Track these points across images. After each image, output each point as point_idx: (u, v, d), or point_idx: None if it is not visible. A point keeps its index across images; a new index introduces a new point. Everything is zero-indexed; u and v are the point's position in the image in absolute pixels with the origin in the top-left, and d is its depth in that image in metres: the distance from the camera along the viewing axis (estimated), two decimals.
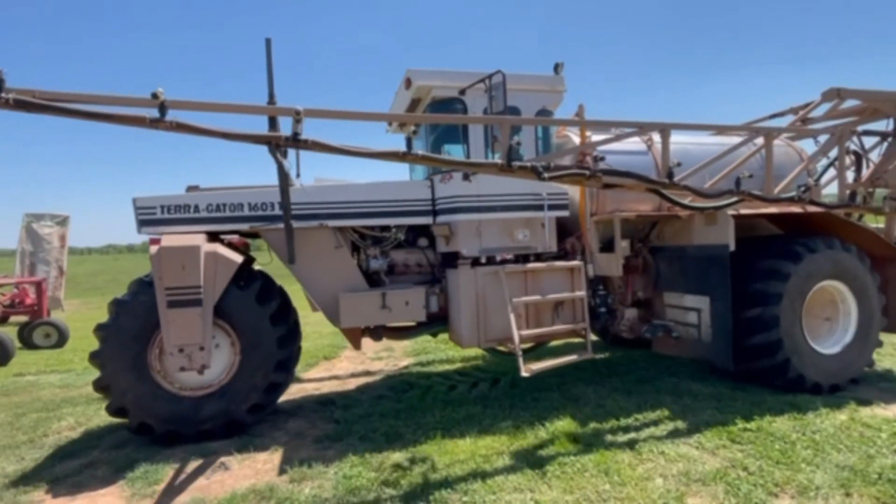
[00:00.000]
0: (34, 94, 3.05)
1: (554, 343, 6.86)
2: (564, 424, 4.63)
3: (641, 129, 5.02)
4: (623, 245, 5.48)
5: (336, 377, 7.05)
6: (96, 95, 3.25)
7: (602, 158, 5.04)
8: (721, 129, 5.95)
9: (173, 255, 4.26)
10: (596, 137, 5.46)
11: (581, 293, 5.37)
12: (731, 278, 5.08)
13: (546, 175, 4.08)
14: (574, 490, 3.49)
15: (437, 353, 8.19)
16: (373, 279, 5.45)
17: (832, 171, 6.26)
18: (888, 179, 5.84)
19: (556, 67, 5.43)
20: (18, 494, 3.80)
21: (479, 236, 5.25)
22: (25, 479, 4.05)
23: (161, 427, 4.54)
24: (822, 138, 5.85)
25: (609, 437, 4.36)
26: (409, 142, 3.81)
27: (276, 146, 3.51)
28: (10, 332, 9.70)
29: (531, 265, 5.37)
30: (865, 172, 6.16)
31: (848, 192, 5.62)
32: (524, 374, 4.72)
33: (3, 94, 2.90)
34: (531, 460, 3.97)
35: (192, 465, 4.21)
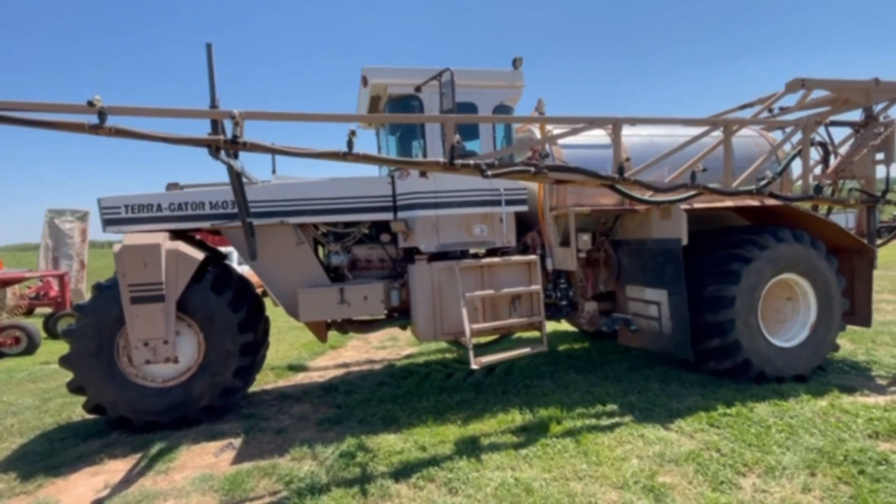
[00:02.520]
0: None
1: (531, 334, 6.97)
2: (552, 409, 4.74)
3: (591, 123, 4.87)
4: (584, 238, 5.44)
5: (342, 365, 7.35)
6: (35, 104, 3.17)
7: (547, 155, 4.92)
8: (677, 123, 5.64)
9: (135, 253, 4.39)
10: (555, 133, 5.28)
11: (536, 287, 5.27)
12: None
13: (490, 173, 4.01)
14: (553, 469, 3.65)
15: (439, 342, 8.44)
16: (336, 275, 5.46)
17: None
18: (854, 170, 5.72)
19: (515, 62, 5.30)
20: (46, 471, 4.07)
21: (437, 232, 5.20)
22: (52, 458, 4.34)
23: (139, 419, 4.70)
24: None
25: (593, 421, 4.50)
26: (349, 142, 3.69)
27: (217, 149, 3.55)
28: (35, 323, 10.22)
29: (487, 260, 5.28)
30: (833, 164, 6.02)
31: (814, 183, 5.48)
32: (474, 366, 4.70)
33: None
34: (515, 442, 4.11)
35: (203, 445, 4.46)
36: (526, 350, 5.19)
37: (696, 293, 5.18)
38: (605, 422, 4.51)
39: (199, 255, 4.72)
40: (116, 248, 4.43)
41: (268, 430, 4.77)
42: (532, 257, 5.44)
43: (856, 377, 5.51)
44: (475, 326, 5.01)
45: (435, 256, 5.31)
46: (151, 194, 5.02)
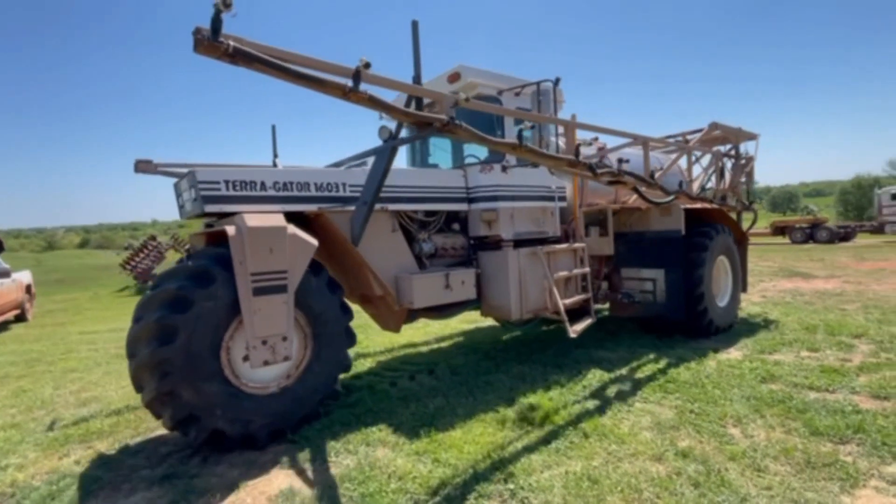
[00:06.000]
0: (242, 42, 2.78)
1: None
2: (533, 401, 4.78)
3: (635, 139, 6.50)
4: (595, 230, 6.99)
5: None
6: (295, 55, 3.13)
7: (627, 161, 5.79)
8: (672, 145, 8.18)
9: (261, 235, 3.86)
10: (609, 146, 7.20)
11: (586, 269, 6.50)
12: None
13: (599, 171, 4.98)
14: (592, 456, 3.71)
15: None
16: (418, 262, 5.62)
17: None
18: (737, 187, 8.64)
19: (556, 81, 5.92)
20: None
21: (513, 222, 5.85)
22: None
23: (237, 431, 4.01)
24: (695, 153, 8.18)
25: (579, 407, 4.68)
26: (520, 134, 4.15)
27: (434, 128, 3.68)
28: None
29: (557, 246, 6.22)
30: (725, 182, 8.62)
31: (720, 195, 8.20)
32: (572, 335, 5.67)
33: (222, 40, 2.58)
34: (535, 439, 4.04)
35: None
36: (590, 321, 6.26)
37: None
38: (588, 404, 4.79)
39: (315, 241, 4.30)
40: (231, 229, 3.83)
41: (216, 488, 3.56)
42: (581, 244, 6.51)
43: (706, 340, 7.11)
44: (566, 302, 5.96)
45: (488, 244, 5.97)
46: (253, 170, 4.76)
